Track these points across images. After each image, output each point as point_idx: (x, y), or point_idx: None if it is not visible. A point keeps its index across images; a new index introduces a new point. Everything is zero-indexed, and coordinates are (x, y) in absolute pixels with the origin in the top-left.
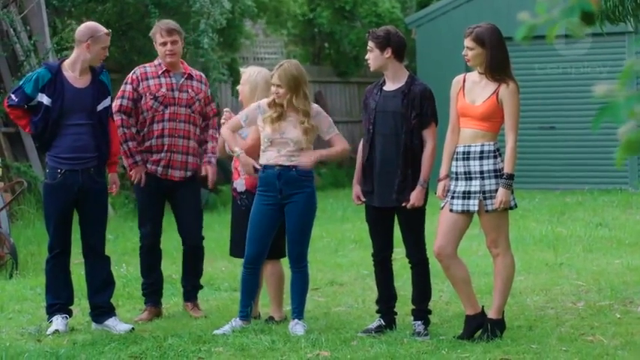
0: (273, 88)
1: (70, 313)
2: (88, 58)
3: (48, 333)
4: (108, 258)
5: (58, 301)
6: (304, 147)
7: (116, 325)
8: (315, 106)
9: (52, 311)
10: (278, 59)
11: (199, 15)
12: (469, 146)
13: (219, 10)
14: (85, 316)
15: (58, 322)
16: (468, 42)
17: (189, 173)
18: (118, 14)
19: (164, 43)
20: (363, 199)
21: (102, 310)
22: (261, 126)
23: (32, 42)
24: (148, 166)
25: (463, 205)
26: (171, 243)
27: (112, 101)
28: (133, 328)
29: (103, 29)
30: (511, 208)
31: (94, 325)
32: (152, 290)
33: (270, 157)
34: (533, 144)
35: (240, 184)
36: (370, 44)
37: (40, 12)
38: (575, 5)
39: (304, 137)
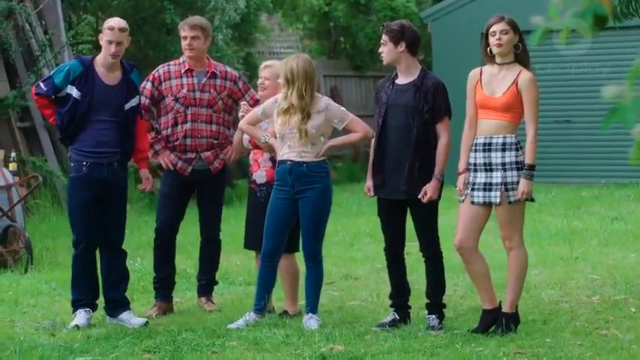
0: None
1: (94, 307)
2: (104, 51)
3: (69, 327)
4: (125, 252)
5: (83, 297)
6: (315, 142)
7: (130, 319)
8: (324, 99)
9: (77, 306)
10: (293, 53)
11: (214, 11)
12: (490, 137)
13: (234, 7)
14: (100, 310)
15: (80, 316)
16: (502, 26)
17: (214, 164)
18: (133, 9)
19: (184, 37)
20: (372, 193)
21: (116, 303)
22: (275, 120)
23: (47, 37)
24: (179, 165)
25: (484, 197)
26: (186, 237)
27: (140, 101)
28: (147, 322)
29: (108, 22)
30: (532, 200)
31: (108, 319)
32: (163, 285)
33: (283, 151)
34: (548, 137)
35: (260, 175)
36: (384, 38)
37: (55, 6)
38: (588, 9)
39: (305, 137)
